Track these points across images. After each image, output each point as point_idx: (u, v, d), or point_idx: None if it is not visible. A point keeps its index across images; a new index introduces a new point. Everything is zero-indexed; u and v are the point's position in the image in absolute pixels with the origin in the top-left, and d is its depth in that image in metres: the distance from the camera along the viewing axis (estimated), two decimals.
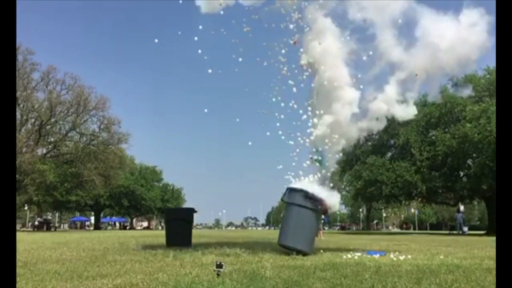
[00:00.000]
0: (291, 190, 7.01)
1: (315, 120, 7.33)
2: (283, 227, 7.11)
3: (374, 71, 7.65)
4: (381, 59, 7.55)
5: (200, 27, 7.35)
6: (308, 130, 7.42)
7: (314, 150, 7.41)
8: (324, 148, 7.28)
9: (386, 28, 7.37)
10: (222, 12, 7.33)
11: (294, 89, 7.47)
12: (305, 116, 7.51)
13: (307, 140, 7.33)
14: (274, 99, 7.42)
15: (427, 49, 7.45)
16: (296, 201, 6.85)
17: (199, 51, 7.39)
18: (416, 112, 8.29)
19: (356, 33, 7.68)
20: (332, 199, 7.02)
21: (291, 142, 7.33)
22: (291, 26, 7.54)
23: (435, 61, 7.45)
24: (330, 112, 7.33)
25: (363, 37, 7.71)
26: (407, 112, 7.84)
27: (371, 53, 7.55)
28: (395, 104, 7.58)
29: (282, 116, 7.44)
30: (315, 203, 6.75)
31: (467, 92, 22.91)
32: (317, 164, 7.27)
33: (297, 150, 7.31)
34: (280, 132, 7.39)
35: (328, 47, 7.48)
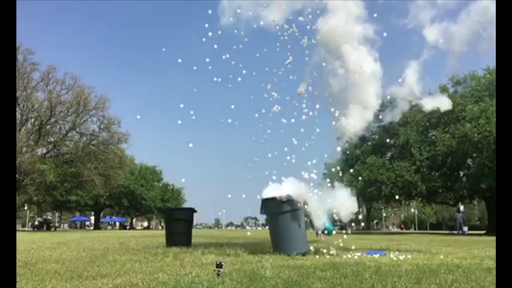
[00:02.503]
0: (265, 201, 6.86)
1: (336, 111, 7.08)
2: (273, 238, 6.98)
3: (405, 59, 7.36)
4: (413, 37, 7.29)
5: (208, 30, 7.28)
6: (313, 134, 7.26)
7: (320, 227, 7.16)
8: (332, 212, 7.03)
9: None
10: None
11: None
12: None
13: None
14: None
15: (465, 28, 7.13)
16: (274, 209, 6.71)
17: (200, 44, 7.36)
18: (451, 105, 7.93)
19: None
20: (349, 205, 6.87)
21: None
22: (285, 38, 7.21)
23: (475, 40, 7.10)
24: (353, 102, 7.07)
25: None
26: (439, 103, 7.51)
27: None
28: (425, 95, 7.29)
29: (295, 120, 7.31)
30: (293, 203, 6.58)
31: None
32: (325, 232, 7.00)
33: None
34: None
35: (347, 29, 7.09)
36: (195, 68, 7.64)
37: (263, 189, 6.91)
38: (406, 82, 7.25)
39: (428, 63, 7.49)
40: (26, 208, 59.49)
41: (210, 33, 7.26)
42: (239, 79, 7.29)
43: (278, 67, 7.33)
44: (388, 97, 7.60)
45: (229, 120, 7.70)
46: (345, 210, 6.77)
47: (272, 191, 6.76)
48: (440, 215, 71.79)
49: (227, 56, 7.37)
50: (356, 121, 6.97)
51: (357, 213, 7.22)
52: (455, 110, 26.32)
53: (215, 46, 7.28)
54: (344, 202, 6.77)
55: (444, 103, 7.68)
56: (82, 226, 70.62)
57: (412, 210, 68.04)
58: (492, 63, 25.32)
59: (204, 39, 7.15)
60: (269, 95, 7.38)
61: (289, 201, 6.57)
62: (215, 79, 7.41)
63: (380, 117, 7.70)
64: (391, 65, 7.57)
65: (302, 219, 6.84)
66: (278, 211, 6.67)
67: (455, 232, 28.94)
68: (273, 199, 6.69)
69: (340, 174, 8.07)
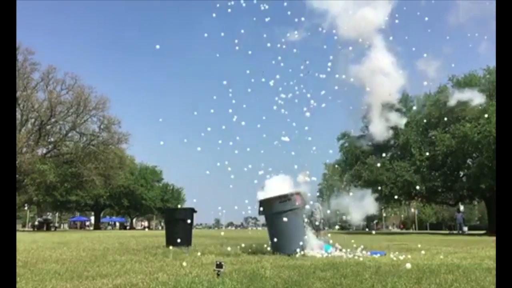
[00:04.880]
0: (262, 202, 6.86)
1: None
2: (272, 238, 6.96)
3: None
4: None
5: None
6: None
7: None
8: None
9: None
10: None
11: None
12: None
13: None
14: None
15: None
16: (272, 210, 6.71)
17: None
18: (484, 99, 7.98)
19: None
20: (369, 203, 6.88)
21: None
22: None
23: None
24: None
25: None
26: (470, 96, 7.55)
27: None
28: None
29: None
30: (290, 202, 6.59)
31: None
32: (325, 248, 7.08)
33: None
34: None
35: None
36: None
37: (263, 186, 6.94)
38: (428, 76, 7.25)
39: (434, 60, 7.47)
40: (26, 208, 59.53)
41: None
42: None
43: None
44: (409, 94, 7.70)
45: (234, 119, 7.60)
46: (360, 212, 6.81)
47: (272, 185, 6.78)
48: (440, 215, 71.71)
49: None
50: (385, 125, 6.99)
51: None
52: (455, 110, 26.34)
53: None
54: (360, 203, 6.81)
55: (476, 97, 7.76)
56: (82, 226, 70.58)
57: (412, 210, 68.02)
58: (492, 62, 25.36)
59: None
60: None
61: (285, 200, 6.57)
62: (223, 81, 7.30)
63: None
64: (411, 61, 7.56)
65: (299, 218, 6.83)
66: (274, 211, 6.67)
67: (455, 232, 28.96)
68: (269, 200, 6.70)
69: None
